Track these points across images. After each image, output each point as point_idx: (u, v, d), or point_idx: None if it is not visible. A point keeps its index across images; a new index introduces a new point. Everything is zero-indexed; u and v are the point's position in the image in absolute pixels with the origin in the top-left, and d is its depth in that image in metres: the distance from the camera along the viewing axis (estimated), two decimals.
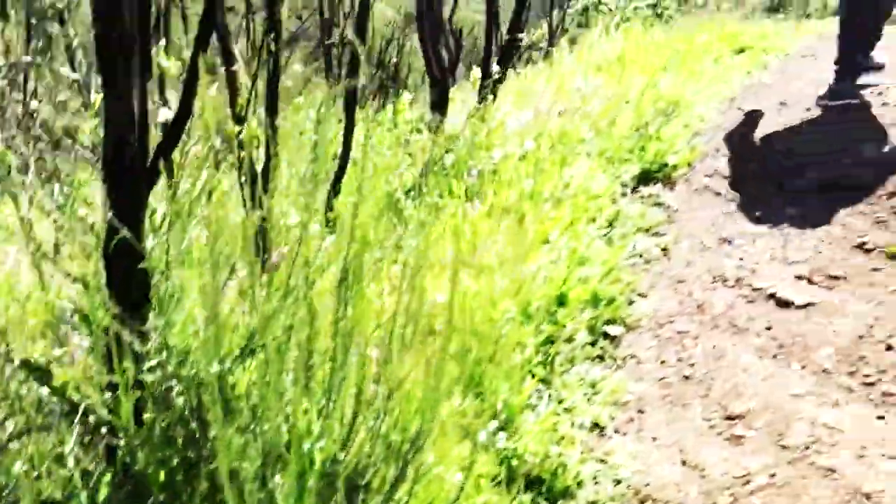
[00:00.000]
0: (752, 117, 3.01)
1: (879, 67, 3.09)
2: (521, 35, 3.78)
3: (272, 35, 2.14)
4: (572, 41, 5.44)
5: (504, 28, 4.24)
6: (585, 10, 29.61)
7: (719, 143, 2.75)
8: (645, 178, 2.40)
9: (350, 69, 3.15)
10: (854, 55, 3.06)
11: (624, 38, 4.93)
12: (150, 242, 1.03)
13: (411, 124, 3.61)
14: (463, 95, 4.15)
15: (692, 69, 3.74)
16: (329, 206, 2.81)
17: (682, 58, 4.11)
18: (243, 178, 1.63)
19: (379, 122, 3.70)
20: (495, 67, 3.55)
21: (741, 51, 4.22)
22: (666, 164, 2.43)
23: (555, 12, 7.64)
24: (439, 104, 3.55)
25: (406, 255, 2.12)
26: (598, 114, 2.78)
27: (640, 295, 1.88)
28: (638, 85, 3.59)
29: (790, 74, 3.76)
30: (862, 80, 3.16)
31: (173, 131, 1.12)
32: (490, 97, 3.29)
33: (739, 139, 2.77)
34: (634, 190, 2.35)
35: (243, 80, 1.90)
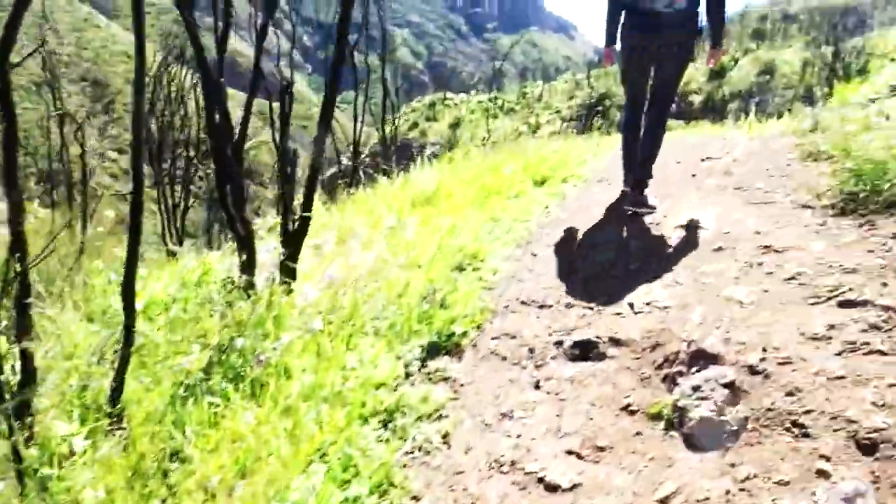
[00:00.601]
0: (545, 262, 3.22)
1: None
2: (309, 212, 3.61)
3: (17, 255, 2.00)
4: (384, 175, 5.63)
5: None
6: (433, 104, 31.54)
7: (510, 297, 2.89)
8: (434, 350, 2.45)
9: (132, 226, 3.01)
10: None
11: (440, 171, 5.21)
12: None
13: (220, 284, 3.50)
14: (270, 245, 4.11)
15: (495, 210, 3.97)
16: (115, 400, 2.62)
17: (488, 193, 4.37)
18: None
19: (184, 280, 3.57)
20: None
21: (543, 182, 4.56)
22: (454, 334, 2.50)
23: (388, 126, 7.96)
24: (248, 264, 3.48)
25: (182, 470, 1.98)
26: (393, 280, 2.84)
27: (413, 499, 1.86)
28: (445, 226, 3.75)
29: (585, 205, 4.10)
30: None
31: None
32: (292, 253, 3.26)
33: (526, 291, 2.93)
34: (423, 366, 2.39)
35: None
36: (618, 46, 3.80)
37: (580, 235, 3.53)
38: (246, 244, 3.59)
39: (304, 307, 2.62)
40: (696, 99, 24.91)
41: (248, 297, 3.10)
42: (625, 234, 3.46)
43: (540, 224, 3.73)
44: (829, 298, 2.55)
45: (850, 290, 2.55)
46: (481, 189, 4.42)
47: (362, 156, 10.17)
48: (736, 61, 28.71)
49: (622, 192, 3.90)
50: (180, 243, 9.65)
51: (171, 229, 10.40)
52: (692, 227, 3.47)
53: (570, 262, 3.22)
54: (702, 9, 3.61)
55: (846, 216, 3.33)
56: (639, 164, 3.83)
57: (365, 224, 4.53)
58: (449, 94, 40.17)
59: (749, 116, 14.95)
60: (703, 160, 5.26)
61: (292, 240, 3.13)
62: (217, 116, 3.40)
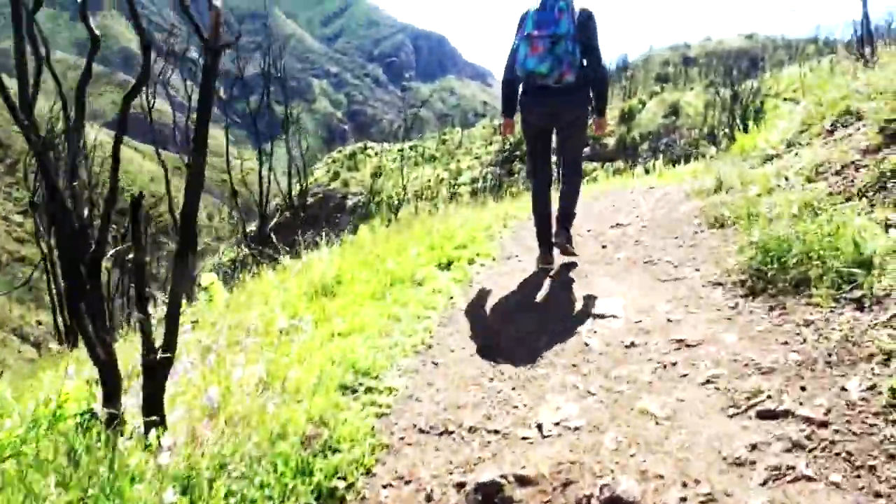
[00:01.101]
0: (446, 373, 2.91)
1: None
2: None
3: None
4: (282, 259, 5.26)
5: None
6: (353, 154, 31.49)
7: (406, 425, 2.56)
8: None
9: None
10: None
11: (342, 253, 4.88)
12: None
13: (78, 420, 3.01)
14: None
15: (398, 302, 3.66)
16: None
17: (391, 279, 4.06)
18: None
19: (36, 417, 3.05)
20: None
21: (449, 264, 4.30)
22: (336, 489, 2.14)
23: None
24: (110, 395, 3.00)
25: None
26: (270, 416, 2.46)
27: None
28: (340, 327, 3.40)
29: (492, 292, 3.84)
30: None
31: None
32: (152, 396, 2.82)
33: (426, 414, 2.61)
34: None
35: None
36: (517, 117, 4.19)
37: (484, 334, 3.26)
38: (107, 371, 3.12)
39: (159, 470, 2.20)
40: (610, 141, 25.86)
41: (108, 437, 2.64)
42: (533, 329, 3.22)
43: (443, 320, 3.44)
44: (748, 408, 2.35)
45: (769, 396, 2.36)
46: (384, 275, 4.11)
47: (273, 221, 9.73)
48: (643, 104, 30.13)
49: (539, 261, 4.11)
50: (67, 338, 8.79)
51: (60, 320, 9.48)
52: (604, 318, 3.26)
53: (473, 369, 2.93)
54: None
55: (756, 296, 3.20)
56: (558, 214, 4.12)
57: (260, 318, 4.13)
58: (370, 144, 40.20)
59: (658, 162, 15.45)
60: (612, 227, 5.16)
61: (153, 382, 2.70)
62: (69, 225, 2.98)
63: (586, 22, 3.79)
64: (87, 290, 3.06)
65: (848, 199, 3.86)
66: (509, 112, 4.17)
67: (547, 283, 3.91)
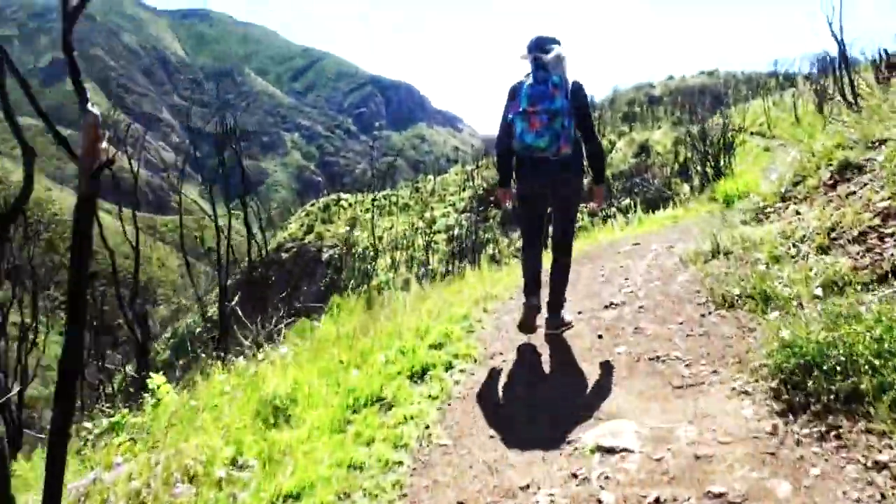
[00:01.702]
0: None
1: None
2: None
3: None
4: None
5: None
6: (327, 207, 30.88)
7: None
8: None
9: None
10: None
11: (298, 360, 4.22)
12: None
13: None
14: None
15: (361, 439, 3.00)
16: None
17: (355, 399, 3.41)
18: None
19: None
20: None
21: (423, 372, 3.66)
22: None
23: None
24: None
25: None
26: None
27: None
28: (290, 482, 2.73)
29: (476, 415, 3.20)
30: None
31: None
32: None
33: None
34: None
35: None
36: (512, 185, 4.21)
37: (469, 488, 2.61)
38: None
39: None
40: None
41: None
42: (529, 479, 2.56)
43: (417, 464, 2.77)
44: None
45: None
46: (346, 394, 3.46)
47: (234, 301, 9.04)
48: (613, 144, 30.19)
49: (525, 306, 4.10)
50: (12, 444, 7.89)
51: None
52: (615, 453, 2.64)
53: None
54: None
55: (797, 414, 2.62)
56: (549, 295, 4.11)
57: (201, 449, 3.45)
58: (343, 195, 39.67)
59: (637, 208, 15.08)
60: (606, 307, 4.59)
61: None
62: None
63: (578, 93, 3.86)
64: None
65: (880, 279, 3.34)
66: (506, 183, 4.26)
67: (540, 394, 3.30)
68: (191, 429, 3.90)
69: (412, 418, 3.11)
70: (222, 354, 5.86)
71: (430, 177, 43.19)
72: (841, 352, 2.65)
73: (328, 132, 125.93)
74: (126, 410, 5.19)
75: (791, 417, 2.62)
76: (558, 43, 3.98)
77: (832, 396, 2.57)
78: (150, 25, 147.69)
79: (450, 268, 21.68)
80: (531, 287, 4.10)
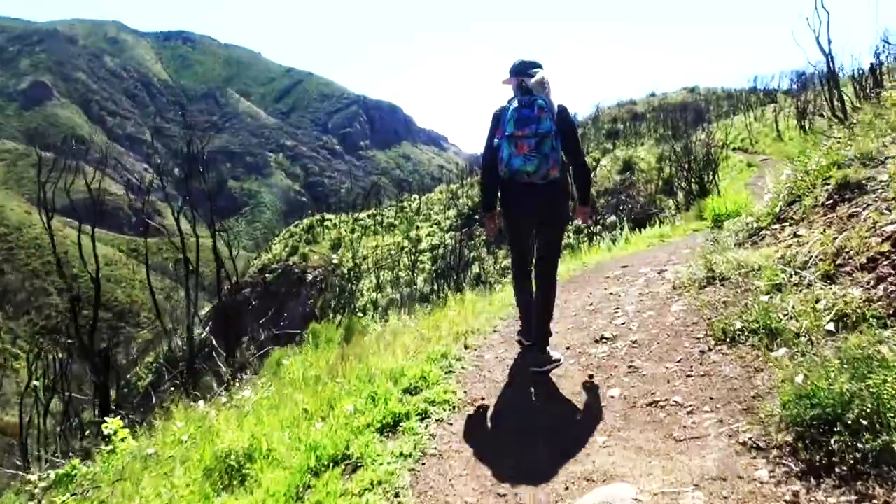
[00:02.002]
0: None
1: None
2: None
3: None
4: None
5: None
6: (311, 227, 30.46)
7: None
8: None
9: None
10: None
11: (260, 410, 3.82)
12: None
13: None
14: None
15: None
16: None
17: (318, 458, 3.01)
18: None
19: None
20: None
21: (395, 425, 3.27)
22: None
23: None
24: None
25: None
26: None
27: None
28: None
29: (455, 473, 2.82)
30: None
31: None
32: None
33: None
34: None
35: None
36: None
37: None
38: None
39: None
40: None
41: None
42: None
43: None
44: None
45: None
46: (308, 451, 3.07)
47: (206, 329, 8.59)
48: (597, 161, 30.08)
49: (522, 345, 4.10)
50: None
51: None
52: None
53: None
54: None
55: (821, 477, 2.27)
56: (535, 325, 3.90)
57: None
58: (327, 215, 39.22)
59: (624, 226, 14.82)
60: (597, 341, 4.24)
61: None
62: None
63: (564, 116, 3.78)
64: None
65: None
66: (491, 208, 4.07)
67: (525, 452, 2.92)
68: (136, 490, 3.49)
69: (380, 483, 2.72)
70: (188, 391, 5.44)
71: (416, 196, 42.95)
72: (866, 403, 2.32)
73: (313, 152, 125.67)
74: (76, 460, 4.79)
75: (813, 482, 2.27)
76: (541, 67, 3.91)
77: (859, 455, 2.23)
78: (133, 48, 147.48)
79: (435, 286, 21.31)
80: (527, 318, 4.11)
